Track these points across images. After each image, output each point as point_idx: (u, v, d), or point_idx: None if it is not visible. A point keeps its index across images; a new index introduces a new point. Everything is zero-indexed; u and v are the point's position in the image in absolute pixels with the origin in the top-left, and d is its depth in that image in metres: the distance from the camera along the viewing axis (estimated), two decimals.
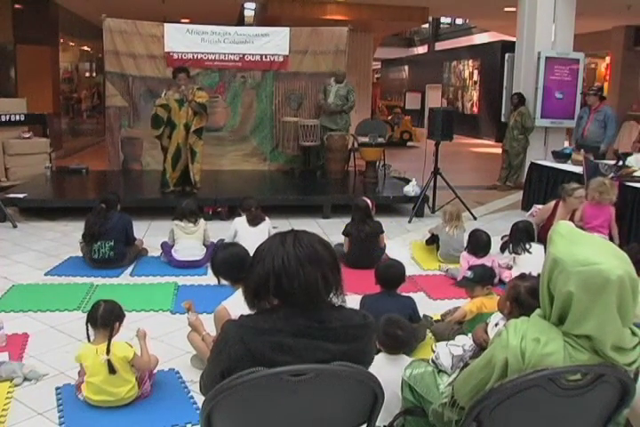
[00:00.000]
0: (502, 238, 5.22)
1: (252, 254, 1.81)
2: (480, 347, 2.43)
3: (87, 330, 2.95)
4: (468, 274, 3.82)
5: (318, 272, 1.68)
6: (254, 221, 5.16)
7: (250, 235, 4.88)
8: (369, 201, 5.46)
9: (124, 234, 5.12)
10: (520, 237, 4.78)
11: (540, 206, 5.92)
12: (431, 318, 3.90)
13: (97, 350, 2.86)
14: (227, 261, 3.27)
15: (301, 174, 8.92)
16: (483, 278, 3.78)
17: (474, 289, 3.76)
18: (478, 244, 4.73)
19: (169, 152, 7.07)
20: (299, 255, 1.67)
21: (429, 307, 4.19)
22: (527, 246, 4.71)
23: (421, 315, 3.79)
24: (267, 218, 5.28)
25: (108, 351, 2.83)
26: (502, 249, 5.04)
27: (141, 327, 3.12)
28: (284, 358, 1.60)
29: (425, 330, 3.70)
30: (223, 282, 3.29)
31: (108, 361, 2.82)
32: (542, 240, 4.53)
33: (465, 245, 5.20)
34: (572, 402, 1.71)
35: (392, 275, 3.66)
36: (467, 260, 4.65)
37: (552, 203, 5.53)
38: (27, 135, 9.02)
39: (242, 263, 3.20)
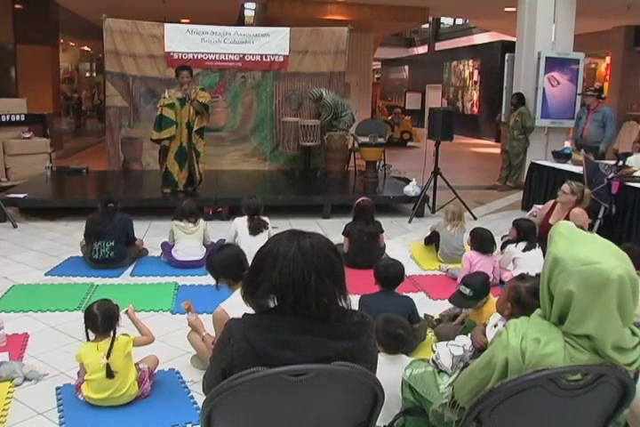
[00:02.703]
0: (502, 238, 5.21)
1: (252, 256, 1.79)
2: (478, 350, 2.42)
3: (87, 333, 2.96)
4: (467, 292, 3.48)
5: (336, 287, 1.69)
6: (255, 231, 5.01)
7: (250, 241, 4.82)
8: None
9: (124, 234, 5.12)
10: (530, 236, 4.77)
11: (540, 206, 5.93)
12: (432, 318, 3.89)
13: (97, 347, 2.87)
14: (225, 261, 3.27)
15: (301, 174, 8.92)
16: (482, 292, 3.52)
17: (474, 306, 3.52)
18: (485, 240, 4.67)
19: (171, 151, 7.03)
20: (318, 269, 1.65)
21: (429, 307, 4.19)
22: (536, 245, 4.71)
23: (422, 315, 3.79)
24: (268, 221, 5.17)
25: (108, 355, 2.83)
26: (502, 249, 5.03)
27: (130, 305, 3.16)
28: (286, 355, 1.61)
29: (425, 330, 3.70)
30: (221, 285, 3.28)
31: (107, 365, 2.82)
32: (542, 240, 4.53)
33: (465, 244, 5.20)
34: (572, 402, 1.71)
35: (391, 274, 3.66)
36: (469, 260, 4.62)
37: (550, 202, 5.55)
38: (27, 135, 9.03)
39: (240, 263, 3.21)
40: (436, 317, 3.92)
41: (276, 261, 1.66)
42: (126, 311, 3.11)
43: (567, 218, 4.99)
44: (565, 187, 5.27)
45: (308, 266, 1.64)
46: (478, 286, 3.52)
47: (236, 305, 2.57)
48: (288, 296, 1.64)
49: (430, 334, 3.70)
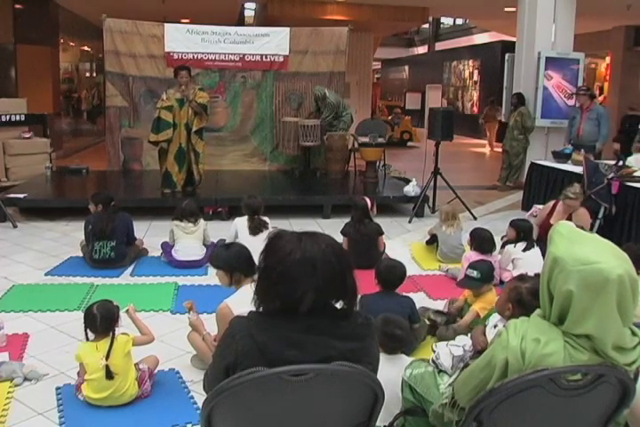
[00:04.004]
0: (502, 238, 5.21)
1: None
2: (478, 351, 2.42)
3: (86, 333, 2.96)
4: (474, 274, 3.68)
5: (355, 286, 1.72)
6: (255, 231, 5.00)
7: (250, 242, 4.78)
8: (368, 200, 5.46)
9: (126, 234, 5.12)
10: (529, 236, 4.77)
11: (540, 206, 5.92)
12: (432, 319, 3.87)
13: (97, 347, 2.87)
14: (238, 256, 3.22)
15: (301, 174, 8.92)
16: (489, 276, 3.71)
17: (479, 288, 3.70)
18: (484, 240, 4.66)
19: (170, 152, 7.04)
20: (350, 267, 1.69)
21: (430, 307, 4.18)
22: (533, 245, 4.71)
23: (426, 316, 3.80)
24: (268, 221, 5.16)
25: (107, 356, 2.83)
26: (502, 249, 5.03)
27: (130, 304, 3.17)
28: (291, 353, 1.60)
29: (425, 330, 3.69)
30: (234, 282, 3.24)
31: (107, 367, 2.82)
32: (542, 240, 4.52)
33: (464, 244, 5.20)
34: (572, 402, 1.71)
35: (393, 275, 3.65)
36: (469, 260, 4.60)
37: (551, 203, 5.54)
38: (27, 135, 9.03)
39: (250, 260, 3.16)
40: (438, 319, 3.89)
41: (315, 267, 1.64)
42: (127, 311, 3.11)
43: (569, 219, 4.99)
44: (570, 202, 5.20)
45: (342, 266, 1.68)
46: (485, 269, 3.70)
47: (241, 302, 2.57)
48: (305, 301, 1.63)
49: (429, 336, 3.70)
